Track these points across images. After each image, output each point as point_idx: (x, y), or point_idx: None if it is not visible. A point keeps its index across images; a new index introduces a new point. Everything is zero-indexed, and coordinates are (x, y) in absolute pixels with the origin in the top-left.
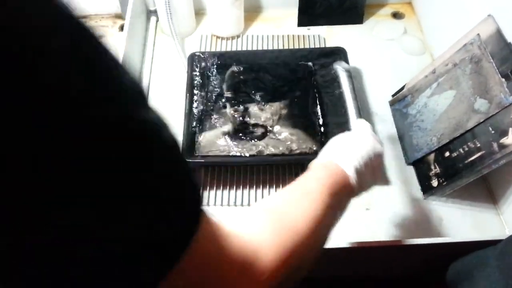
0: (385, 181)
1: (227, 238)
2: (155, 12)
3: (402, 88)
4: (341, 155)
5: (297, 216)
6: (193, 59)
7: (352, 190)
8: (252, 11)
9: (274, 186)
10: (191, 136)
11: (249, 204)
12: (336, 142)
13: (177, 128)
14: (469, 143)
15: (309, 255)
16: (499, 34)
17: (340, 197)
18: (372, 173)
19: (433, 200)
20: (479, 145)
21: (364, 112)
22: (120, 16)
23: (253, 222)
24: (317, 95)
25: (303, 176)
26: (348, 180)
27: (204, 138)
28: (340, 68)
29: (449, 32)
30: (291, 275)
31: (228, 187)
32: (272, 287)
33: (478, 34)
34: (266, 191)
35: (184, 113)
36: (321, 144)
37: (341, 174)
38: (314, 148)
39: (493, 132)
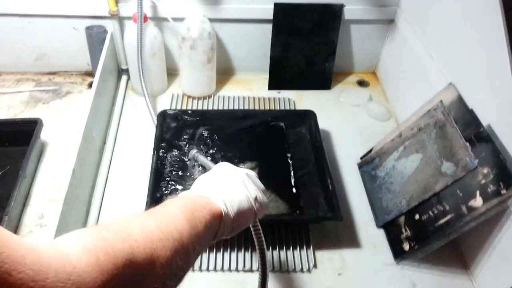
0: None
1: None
2: (126, 71)
3: (370, 151)
4: (204, 186)
5: (132, 225)
6: (163, 117)
7: (221, 216)
8: (224, 74)
9: (243, 250)
10: (155, 200)
11: (215, 269)
12: (201, 179)
13: (143, 187)
14: (438, 206)
15: (151, 273)
16: (460, 100)
17: (201, 223)
18: (244, 188)
19: (406, 265)
20: (448, 207)
21: (334, 174)
22: (90, 74)
23: (68, 236)
24: (288, 155)
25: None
26: (214, 207)
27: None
28: (195, 152)
29: (413, 99)
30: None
31: None
32: None
33: (441, 101)
34: (233, 254)
35: (150, 172)
36: (294, 204)
37: (203, 200)
38: (287, 210)
39: (461, 194)
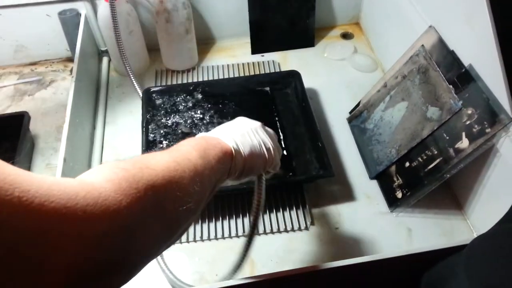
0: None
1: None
2: (106, 52)
3: (358, 104)
4: (218, 129)
5: (149, 159)
6: (148, 95)
7: (231, 154)
8: (205, 43)
9: (234, 216)
10: None
11: (216, 237)
12: (218, 127)
13: None
14: (426, 151)
15: (171, 195)
16: (441, 43)
17: (214, 158)
18: (257, 136)
19: (400, 212)
20: (436, 152)
21: (323, 132)
22: (71, 59)
23: (89, 171)
24: (277, 118)
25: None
26: (225, 145)
27: None
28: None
29: (397, 47)
30: (150, 212)
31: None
32: (125, 222)
33: (423, 45)
34: (233, 221)
35: (141, 150)
36: (287, 167)
37: (215, 140)
38: (280, 172)
39: (447, 138)
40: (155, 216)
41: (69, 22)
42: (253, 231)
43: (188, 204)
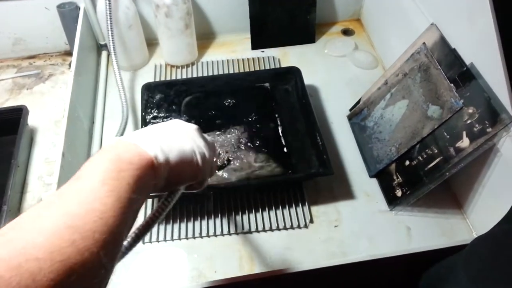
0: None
1: None
2: (105, 46)
3: (358, 101)
4: (138, 133)
5: (34, 235)
6: (147, 90)
7: (153, 166)
8: (205, 38)
9: (233, 213)
10: None
11: (215, 234)
12: (140, 130)
13: None
14: (427, 150)
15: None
16: (443, 41)
17: (129, 181)
18: (191, 141)
19: (400, 211)
20: (436, 151)
21: (323, 129)
22: (69, 53)
23: None
24: (276, 115)
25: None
26: (145, 156)
27: None
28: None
29: (398, 44)
30: None
31: (192, 219)
32: None
33: (424, 43)
34: (231, 218)
35: None
36: (286, 164)
37: (132, 150)
38: (280, 170)
39: (448, 137)
40: None
41: (68, 15)
42: (136, 240)
43: (94, 279)
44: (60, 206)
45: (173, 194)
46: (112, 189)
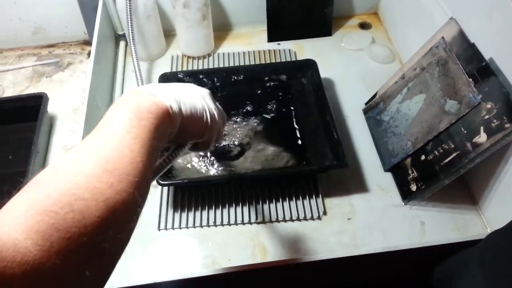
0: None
1: None
2: (124, 36)
3: (374, 95)
4: (154, 85)
5: (78, 179)
6: (163, 80)
7: (169, 115)
8: (221, 30)
9: (248, 203)
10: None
11: (229, 223)
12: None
13: None
14: (443, 145)
15: (109, 230)
16: (462, 35)
17: (150, 129)
18: (202, 100)
19: (414, 205)
20: (453, 146)
21: (338, 122)
22: (88, 42)
23: (14, 217)
24: (292, 107)
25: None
26: (161, 105)
27: (179, 163)
28: None
29: (416, 38)
30: (87, 261)
31: (206, 207)
32: (62, 280)
33: (443, 37)
34: (246, 208)
35: None
36: (301, 156)
37: (149, 100)
38: (294, 162)
39: (465, 132)
40: (94, 261)
41: (88, 5)
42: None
43: (131, 225)
44: (94, 153)
45: (179, 149)
46: (136, 136)
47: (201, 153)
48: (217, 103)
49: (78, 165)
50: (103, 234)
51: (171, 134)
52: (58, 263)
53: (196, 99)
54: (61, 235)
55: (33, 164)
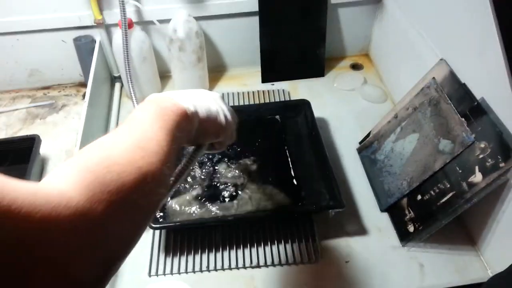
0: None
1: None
2: (119, 78)
3: (368, 135)
4: (172, 92)
5: (113, 150)
6: None
7: (188, 116)
8: (216, 71)
9: (249, 246)
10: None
11: (222, 268)
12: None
13: None
14: (439, 185)
15: (143, 190)
16: (453, 76)
17: (172, 124)
18: (215, 103)
19: (412, 247)
20: (448, 185)
21: (333, 161)
22: (83, 84)
23: (60, 174)
24: (286, 147)
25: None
26: (181, 107)
27: (171, 206)
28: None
29: (407, 78)
30: (125, 212)
31: (199, 251)
32: (103, 229)
33: (434, 78)
34: (240, 251)
35: None
36: (296, 196)
37: (169, 102)
38: (289, 202)
39: (460, 171)
40: (130, 214)
41: (84, 48)
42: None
43: (161, 191)
44: (127, 134)
45: (199, 149)
46: (162, 126)
47: (194, 194)
48: (228, 105)
49: (115, 142)
50: (137, 193)
51: (190, 132)
52: (99, 210)
53: (210, 102)
54: (102, 188)
55: None
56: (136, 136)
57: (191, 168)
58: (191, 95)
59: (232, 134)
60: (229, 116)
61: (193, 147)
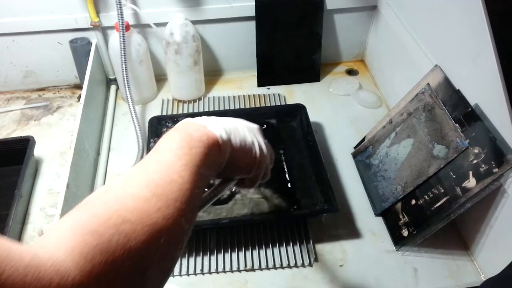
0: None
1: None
2: (115, 80)
3: (363, 139)
4: (207, 118)
5: (126, 201)
6: (152, 124)
7: (218, 145)
8: (212, 75)
9: (236, 249)
10: None
11: (216, 271)
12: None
13: None
14: (433, 190)
15: (154, 255)
16: (447, 82)
17: (201, 158)
18: (251, 134)
19: (406, 251)
20: (442, 190)
21: (328, 166)
22: (79, 86)
23: (58, 236)
24: (281, 151)
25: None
26: (212, 135)
27: None
28: None
29: (401, 84)
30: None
31: (194, 254)
32: None
33: (428, 84)
34: (234, 254)
35: None
36: (291, 200)
37: (200, 131)
38: (284, 205)
39: (454, 176)
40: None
41: (80, 50)
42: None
43: (175, 254)
44: (144, 176)
45: (226, 183)
46: (186, 163)
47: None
48: (267, 140)
49: (129, 187)
50: (147, 260)
51: (221, 165)
52: None
53: (246, 132)
54: (103, 258)
55: (16, 208)
56: (154, 178)
57: (211, 204)
58: (226, 122)
59: (267, 171)
60: (265, 150)
61: (219, 180)
